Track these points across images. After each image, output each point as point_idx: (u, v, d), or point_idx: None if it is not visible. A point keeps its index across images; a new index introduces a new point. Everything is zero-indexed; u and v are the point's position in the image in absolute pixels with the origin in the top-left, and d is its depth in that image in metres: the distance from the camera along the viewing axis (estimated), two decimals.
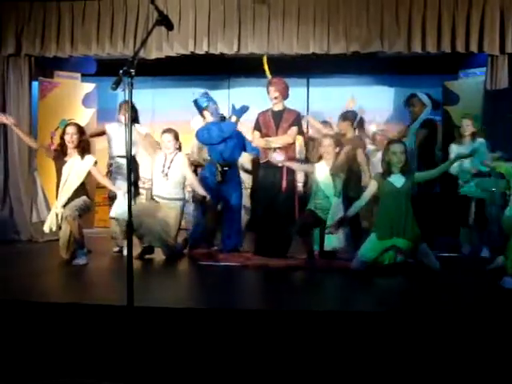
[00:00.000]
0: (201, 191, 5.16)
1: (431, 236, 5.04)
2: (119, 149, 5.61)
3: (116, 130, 5.69)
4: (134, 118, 5.32)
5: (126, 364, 2.67)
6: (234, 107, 5.45)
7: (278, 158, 5.09)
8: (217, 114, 5.44)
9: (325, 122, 6.01)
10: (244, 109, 5.38)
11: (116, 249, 5.46)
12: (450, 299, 3.68)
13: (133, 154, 5.56)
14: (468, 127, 5.37)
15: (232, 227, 5.37)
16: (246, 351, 3.08)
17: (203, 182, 5.36)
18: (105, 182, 5.31)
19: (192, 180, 5.28)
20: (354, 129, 5.33)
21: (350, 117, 5.34)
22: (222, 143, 5.31)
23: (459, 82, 6.92)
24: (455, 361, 3.00)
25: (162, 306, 3.40)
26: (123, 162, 5.51)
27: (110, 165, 5.66)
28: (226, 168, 5.35)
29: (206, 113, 5.46)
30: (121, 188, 5.09)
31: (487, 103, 5.78)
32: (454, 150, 5.35)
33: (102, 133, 5.87)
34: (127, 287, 2.62)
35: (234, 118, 5.36)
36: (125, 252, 5.31)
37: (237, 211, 5.44)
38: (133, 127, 5.17)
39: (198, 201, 5.30)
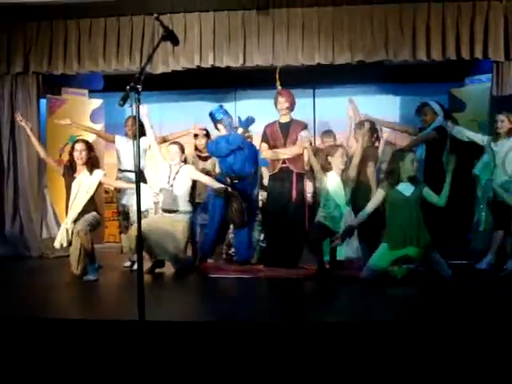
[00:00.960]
0: (217, 185, 5.17)
1: (443, 244, 5.00)
2: (128, 163, 5.67)
3: (124, 144, 5.76)
4: (141, 132, 5.36)
5: (139, 379, 2.67)
6: (240, 119, 5.47)
7: (304, 135, 5.06)
8: (231, 127, 5.47)
9: (328, 132, 6.02)
10: (250, 120, 5.39)
11: (127, 263, 5.47)
12: (463, 308, 3.66)
13: (141, 167, 5.61)
14: (503, 123, 4.99)
15: (242, 240, 5.36)
16: (258, 363, 3.07)
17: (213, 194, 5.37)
18: (119, 184, 5.40)
19: (207, 180, 5.30)
20: (373, 140, 5.34)
21: (366, 126, 5.33)
22: (231, 156, 5.32)
23: (465, 89, 6.92)
24: (468, 369, 2.97)
25: (173, 319, 3.40)
26: (132, 176, 5.56)
27: (119, 179, 5.71)
28: (236, 181, 5.36)
29: (220, 126, 5.51)
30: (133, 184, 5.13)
31: (494, 109, 5.75)
32: (497, 150, 5.07)
33: (112, 141, 5.94)
34: (138, 302, 2.63)
35: (240, 130, 5.38)
36: (135, 266, 5.32)
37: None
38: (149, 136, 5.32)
39: (221, 194, 5.17)
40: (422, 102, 5.58)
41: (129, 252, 5.29)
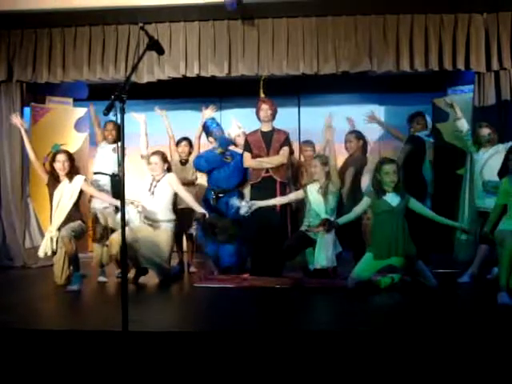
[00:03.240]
0: (198, 209, 5.16)
1: (427, 252, 5.03)
2: (100, 166, 5.77)
3: (105, 148, 5.83)
4: (117, 139, 5.36)
5: None
6: (219, 139, 5.51)
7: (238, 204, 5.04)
8: (220, 140, 5.51)
9: (308, 142, 6.07)
10: (228, 141, 5.51)
11: (116, 272, 5.39)
12: (448, 317, 3.68)
13: (118, 173, 5.58)
14: (489, 137, 5.04)
15: (228, 249, 5.34)
16: (243, 372, 3.06)
17: (205, 203, 5.49)
18: (98, 194, 5.29)
19: (187, 198, 5.25)
20: (361, 150, 5.44)
21: (359, 136, 5.55)
22: (216, 171, 5.44)
23: (449, 99, 6.98)
24: (452, 379, 2.99)
25: (157, 330, 3.38)
26: (100, 178, 5.70)
27: (93, 182, 5.73)
28: (221, 194, 5.44)
29: (211, 138, 5.57)
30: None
31: (476, 120, 5.82)
32: (478, 159, 5.12)
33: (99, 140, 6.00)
34: (122, 312, 2.61)
35: (219, 150, 5.43)
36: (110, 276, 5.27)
37: None
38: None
39: (199, 219, 5.15)
40: (418, 110, 5.64)
41: (107, 261, 5.16)
